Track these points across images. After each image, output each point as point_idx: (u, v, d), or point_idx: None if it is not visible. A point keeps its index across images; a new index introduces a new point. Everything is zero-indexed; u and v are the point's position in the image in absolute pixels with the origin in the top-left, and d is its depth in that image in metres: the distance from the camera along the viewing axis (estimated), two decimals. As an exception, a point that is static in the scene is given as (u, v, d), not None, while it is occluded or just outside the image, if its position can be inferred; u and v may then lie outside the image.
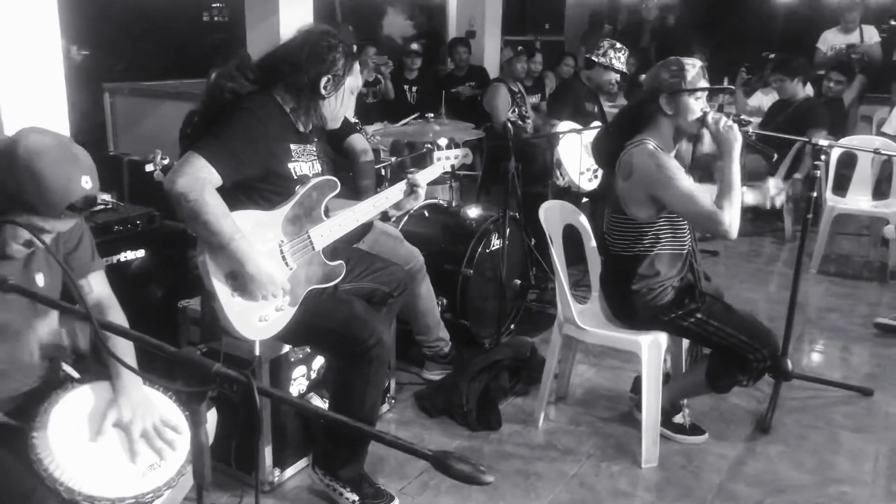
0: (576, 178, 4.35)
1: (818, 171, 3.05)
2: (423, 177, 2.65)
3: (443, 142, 3.80)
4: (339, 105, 2.38)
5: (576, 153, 4.32)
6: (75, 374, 1.94)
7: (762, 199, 3.03)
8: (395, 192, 2.56)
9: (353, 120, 3.62)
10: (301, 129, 2.36)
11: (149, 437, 1.77)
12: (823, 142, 3.06)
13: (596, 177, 4.51)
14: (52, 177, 1.60)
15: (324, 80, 2.28)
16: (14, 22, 2.67)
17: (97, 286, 2.00)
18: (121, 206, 3.02)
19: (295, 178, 2.32)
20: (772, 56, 6.91)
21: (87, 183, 1.65)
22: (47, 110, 2.77)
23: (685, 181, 2.57)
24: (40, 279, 1.85)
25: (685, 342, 3.10)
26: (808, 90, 5.82)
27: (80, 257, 1.94)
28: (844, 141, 5.01)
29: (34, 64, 2.76)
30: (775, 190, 3.03)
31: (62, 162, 1.62)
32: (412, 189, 2.58)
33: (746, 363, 2.66)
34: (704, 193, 2.58)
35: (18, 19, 2.68)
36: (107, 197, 2.98)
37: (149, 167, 3.42)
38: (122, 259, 2.94)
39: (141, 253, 3.00)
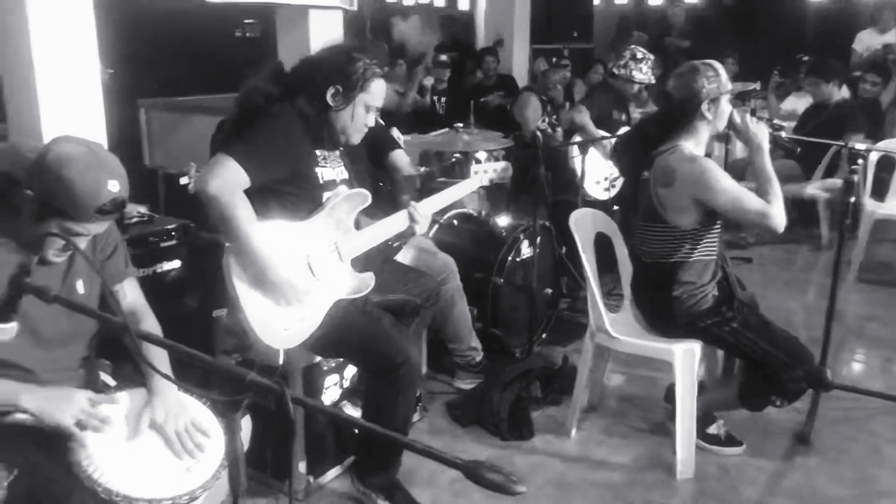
0: (590, 188, 4.34)
1: (856, 176, 3.00)
2: (429, 206, 2.55)
3: (482, 155, 3.78)
4: (351, 120, 2.35)
5: (596, 162, 4.30)
6: (111, 382, 1.98)
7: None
8: (400, 218, 2.50)
9: (396, 135, 3.65)
10: (325, 136, 2.38)
11: (181, 437, 1.80)
12: (861, 145, 3.01)
13: (613, 186, 4.48)
14: (80, 181, 1.64)
15: (331, 90, 2.29)
16: (54, 42, 2.74)
17: (130, 293, 2.05)
18: (156, 218, 3.07)
19: (321, 182, 2.34)
20: (805, 58, 6.82)
21: (115, 186, 1.69)
22: (85, 125, 2.83)
23: (730, 182, 2.58)
24: (80, 286, 1.89)
25: (720, 352, 3.06)
26: (844, 92, 5.72)
27: (115, 264, 2.00)
28: (882, 144, 4.91)
29: (73, 81, 2.82)
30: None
31: (90, 167, 1.67)
32: (411, 221, 2.49)
33: (780, 383, 2.61)
34: (749, 191, 2.58)
35: (58, 40, 2.75)
36: (142, 209, 3.03)
37: (183, 180, 3.47)
38: (158, 270, 2.99)
39: (176, 264, 3.05)
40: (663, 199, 2.67)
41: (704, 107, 2.63)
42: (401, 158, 3.29)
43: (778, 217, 2.55)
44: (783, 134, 2.74)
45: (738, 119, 2.67)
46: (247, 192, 2.17)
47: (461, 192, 2.78)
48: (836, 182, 2.95)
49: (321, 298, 2.32)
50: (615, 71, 4.67)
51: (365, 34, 8.14)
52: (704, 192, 2.58)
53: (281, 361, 2.36)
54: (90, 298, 1.92)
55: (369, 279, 2.43)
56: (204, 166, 2.20)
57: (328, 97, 2.30)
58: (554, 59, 6.21)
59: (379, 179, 3.37)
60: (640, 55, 4.61)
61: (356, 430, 2.63)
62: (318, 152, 2.36)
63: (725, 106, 2.66)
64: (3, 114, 2.93)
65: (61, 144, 1.69)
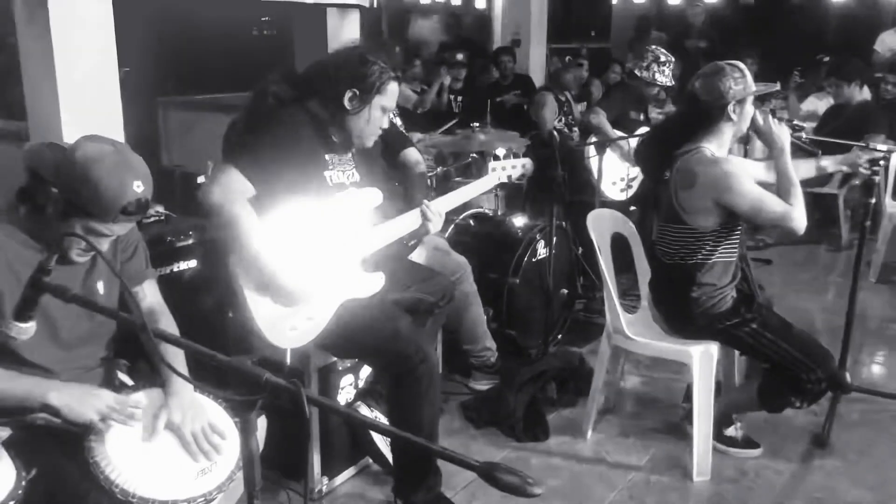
0: (606, 189, 4.30)
1: (877, 177, 2.96)
2: (443, 203, 2.54)
3: (500, 151, 3.72)
4: (367, 123, 2.34)
5: (611, 162, 4.26)
6: (129, 382, 1.99)
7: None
8: (413, 216, 2.49)
9: (418, 137, 3.63)
10: (336, 139, 2.38)
11: (197, 438, 1.81)
12: (882, 147, 2.98)
13: (630, 186, 4.44)
14: (106, 182, 1.65)
15: (348, 94, 2.28)
16: (74, 41, 2.77)
17: (150, 293, 2.06)
18: (173, 217, 3.09)
19: (331, 185, 2.34)
20: (826, 59, 6.74)
21: (139, 187, 1.70)
22: (104, 124, 2.85)
23: (752, 184, 2.57)
24: (101, 287, 1.91)
25: (737, 354, 3.03)
26: (866, 93, 5.66)
27: (136, 265, 2.00)
28: (904, 145, 4.84)
29: (92, 80, 2.85)
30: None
31: (115, 167, 1.68)
32: (424, 219, 2.48)
33: (800, 384, 2.58)
34: (771, 193, 2.57)
35: (78, 38, 2.78)
36: (159, 208, 3.04)
37: (200, 179, 3.49)
38: (175, 270, 3.00)
39: (193, 263, 3.06)
40: (683, 201, 2.65)
41: (730, 108, 2.60)
42: (413, 156, 3.28)
43: (799, 219, 2.54)
44: (803, 135, 2.73)
45: (760, 120, 2.65)
46: (258, 198, 2.17)
47: (477, 191, 2.75)
48: (851, 157, 2.91)
49: (329, 298, 2.31)
50: (637, 72, 4.62)
51: (381, 33, 8.15)
52: (725, 194, 2.56)
53: (288, 361, 2.36)
54: (110, 299, 1.93)
55: (379, 279, 2.42)
56: (209, 175, 2.21)
57: (345, 101, 2.29)
58: (567, 58, 6.14)
59: (392, 178, 3.36)
60: (663, 58, 4.55)
61: (381, 452, 2.63)
62: (327, 156, 2.35)
63: (749, 107, 2.64)
64: (23, 112, 2.96)
65: (88, 144, 1.70)
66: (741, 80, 2.60)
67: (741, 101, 2.61)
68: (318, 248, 2.29)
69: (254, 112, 2.30)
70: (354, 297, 2.38)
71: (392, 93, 2.35)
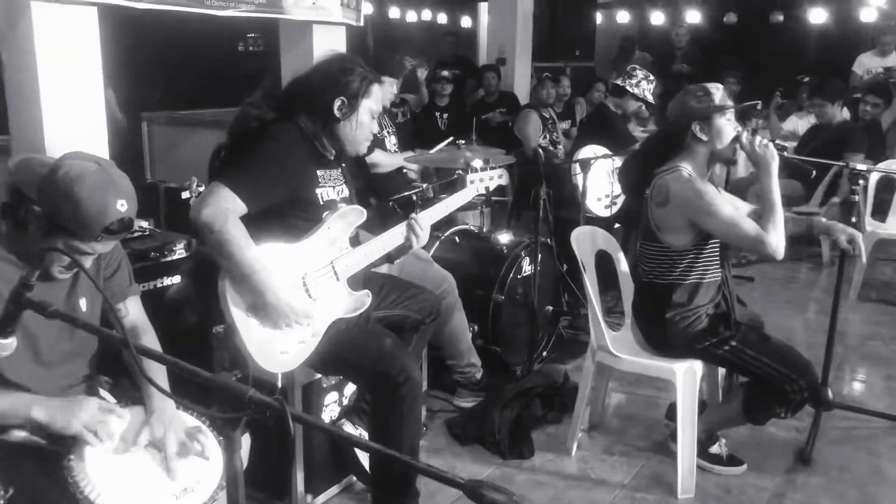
0: (591, 205, 4.33)
1: (856, 196, 3.00)
2: (427, 218, 2.52)
3: (477, 163, 3.75)
4: (357, 128, 2.35)
5: (596, 179, 4.30)
6: (111, 399, 1.97)
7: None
8: (398, 232, 2.47)
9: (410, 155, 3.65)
10: (326, 154, 2.38)
11: (188, 439, 1.80)
12: (861, 166, 3.02)
13: (615, 203, 4.48)
14: (89, 201, 1.64)
15: (337, 102, 2.30)
16: (59, 55, 2.75)
17: (133, 310, 2.04)
18: (157, 233, 3.07)
19: (321, 203, 2.33)
20: (806, 79, 6.84)
21: (123, 206, 1.68)
22: (88, 139, 2.83)
23: (726, 207, 2.57)
24: (83, 304, 1.89)
25: (721, 370, 3.05)
26: (845, 114, 5.75)
27: (119, 282, 1.99)
28: (883, 165, 4.92)
29: (77, 95, 2.83)
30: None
31: (98, 186, 1.66)
32: (410, 233, 2.46)
33: (783, 394, 2.60)
34: (746, 217, 2.57)
35: (63, 52, 2.76)
36: (144, 224, 3.03)
37: (185, 194, 3.48)
38: (158, 285, 2.98)
39: (177, 279, 3.04)
40: (657, 219, 2.67)
41: (695, 127, 2.63)
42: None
43: (773, 244, 2.52)
44: (786, 154, 2.75)
45: (745, 140, 2.62)
46: (248, 215, 2.15)
47: (458, 203, 2.75)
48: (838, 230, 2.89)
49: (319, 320, 2.29)
50: (626, 88, 4.67)
51: (368, 50, 8.19)
52: (698, 214, 2.58)
53: (279, 385, 2.34)
54: (92, 316, 1.92)
55: (365, 297, 2.41)
56: (199, 194, 2.19)
57: (335, 109, 2.30)
58: (544, 75, 6.19)
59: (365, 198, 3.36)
60: (651, 77, 4.68)
61: (366, 470, 2.61)
62: (318, 172, 2.35)
63: (724, 125, 2.62)
64: (5, 125, 2.94)
65: (71, 161, 1.69)
66: (704, 99, 2.62)
67: (706, 119, 2.61)
68: (305, 268, 2.27)
69: (237, 135, 2.30)
70: (343, 317, 2.37)
71: (376, 95, 2.39)
